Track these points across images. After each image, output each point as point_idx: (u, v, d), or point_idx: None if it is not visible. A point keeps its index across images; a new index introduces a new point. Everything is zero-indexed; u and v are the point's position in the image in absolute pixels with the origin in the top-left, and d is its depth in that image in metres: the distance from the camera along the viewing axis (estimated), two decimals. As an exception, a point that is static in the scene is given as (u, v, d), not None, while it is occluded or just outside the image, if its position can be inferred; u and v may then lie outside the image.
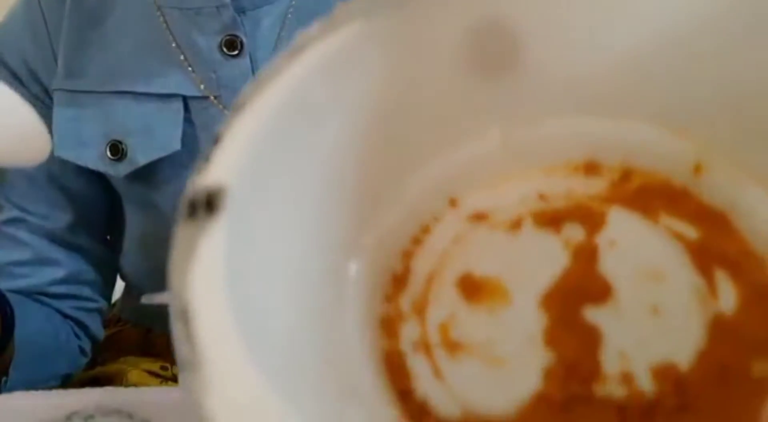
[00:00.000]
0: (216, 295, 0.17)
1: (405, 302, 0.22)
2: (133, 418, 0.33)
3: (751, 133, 0.21)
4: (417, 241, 0.23)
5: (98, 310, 0.53)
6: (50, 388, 0.46)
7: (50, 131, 0.35)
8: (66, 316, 0.50)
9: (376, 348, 0.22)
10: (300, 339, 0.20)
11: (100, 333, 0.54)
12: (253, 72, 0.44)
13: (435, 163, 0.23)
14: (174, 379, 0.54)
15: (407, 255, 0.23)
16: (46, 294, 0.50)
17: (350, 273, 0.22)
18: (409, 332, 0.22)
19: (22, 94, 0.27)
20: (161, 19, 0.45)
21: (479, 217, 0.23)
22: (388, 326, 0.22)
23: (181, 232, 0.17)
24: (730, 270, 0.21)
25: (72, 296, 0.51)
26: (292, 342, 0.20)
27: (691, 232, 0.22)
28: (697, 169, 0.22)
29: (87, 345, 0.52)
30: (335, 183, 0.22)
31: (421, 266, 0.23)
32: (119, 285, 0.65)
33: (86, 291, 0.52)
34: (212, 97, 0.44)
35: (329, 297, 0.22)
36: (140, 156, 0.44)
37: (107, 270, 0.54)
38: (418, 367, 0.21)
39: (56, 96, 0.46)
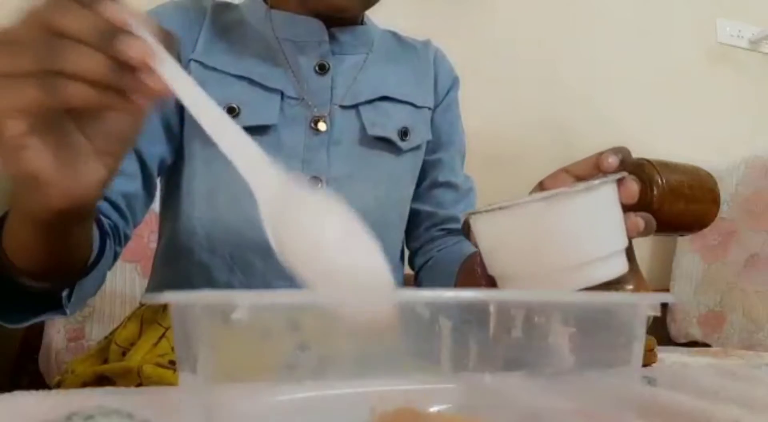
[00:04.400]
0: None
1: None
2: (133, 418, 0.33)
3: None
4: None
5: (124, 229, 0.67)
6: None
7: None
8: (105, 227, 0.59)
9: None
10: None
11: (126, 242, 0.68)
12: (332, 88, 0.72)
13: None
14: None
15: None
16: (107, 199, 0.64)
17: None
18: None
19: None
20: (277, 44, 0.72)
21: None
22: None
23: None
24: None
25: (123, 212, 0.66)
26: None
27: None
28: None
29: (119, 251, 0.65)
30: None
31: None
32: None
33: (131, 212, 0.67)
34: (300, 99, 0.71)
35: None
36: (248, 119, 0.68)
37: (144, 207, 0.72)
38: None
39: (192, 65, 0.69)
